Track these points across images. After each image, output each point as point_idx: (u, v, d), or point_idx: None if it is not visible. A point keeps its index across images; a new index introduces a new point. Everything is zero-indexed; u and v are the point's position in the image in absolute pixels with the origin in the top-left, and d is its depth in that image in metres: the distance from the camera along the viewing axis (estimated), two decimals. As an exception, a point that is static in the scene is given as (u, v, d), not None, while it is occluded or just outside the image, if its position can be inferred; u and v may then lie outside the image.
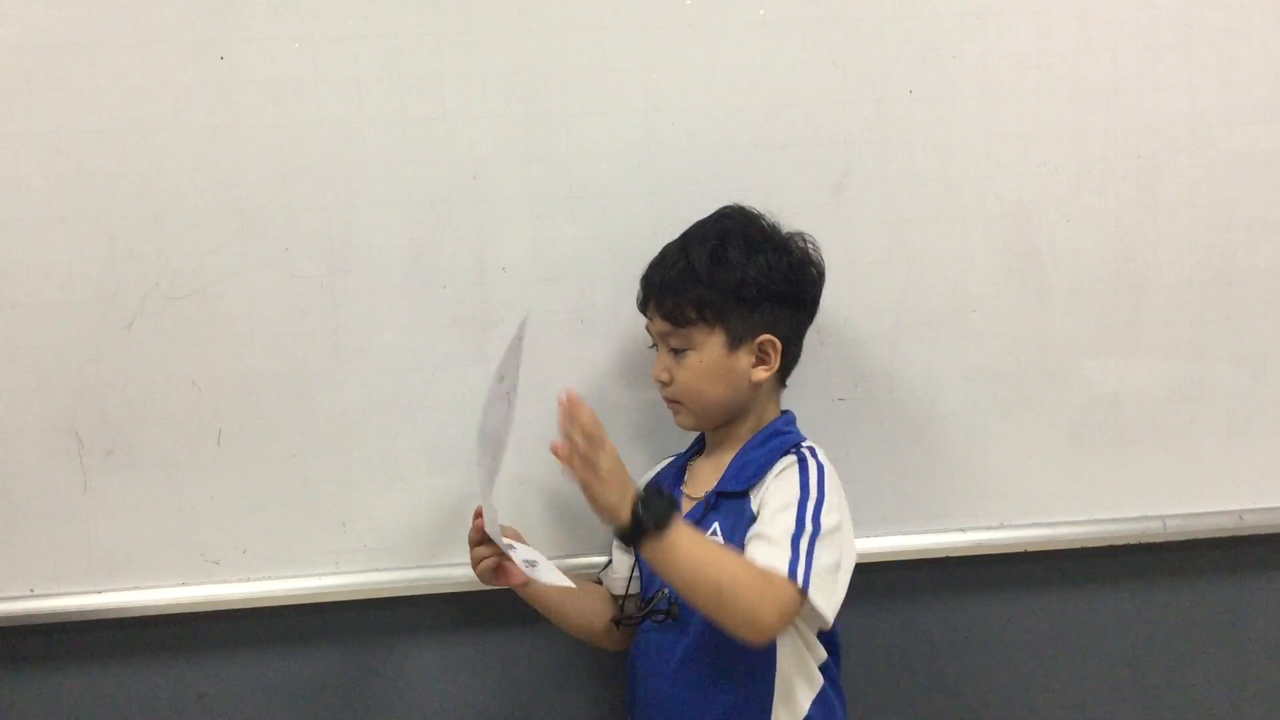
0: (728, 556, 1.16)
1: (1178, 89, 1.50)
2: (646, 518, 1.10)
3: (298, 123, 1.38)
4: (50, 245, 1.36)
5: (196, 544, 1.42)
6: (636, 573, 1.35)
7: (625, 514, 1.11)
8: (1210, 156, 1.51)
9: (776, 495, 1.22)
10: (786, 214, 1.34)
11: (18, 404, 1.38)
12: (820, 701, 1.26)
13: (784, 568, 1.14)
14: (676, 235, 1.32)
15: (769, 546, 1.17)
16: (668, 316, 1.27)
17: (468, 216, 1.42)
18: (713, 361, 1.27)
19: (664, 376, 1.30)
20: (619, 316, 1.44)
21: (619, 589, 1.38)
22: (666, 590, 1.27)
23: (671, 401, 1.32)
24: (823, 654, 1.27)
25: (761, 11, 1.43)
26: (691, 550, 1.12)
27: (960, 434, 1.52)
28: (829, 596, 1.17)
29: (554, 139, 1.42)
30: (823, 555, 1.16)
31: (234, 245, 1.38)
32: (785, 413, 1.35)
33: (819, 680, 1.27)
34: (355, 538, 1.44)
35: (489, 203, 1.42)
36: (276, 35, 1.37)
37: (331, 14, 1.37)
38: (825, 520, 1.19)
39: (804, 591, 1.14)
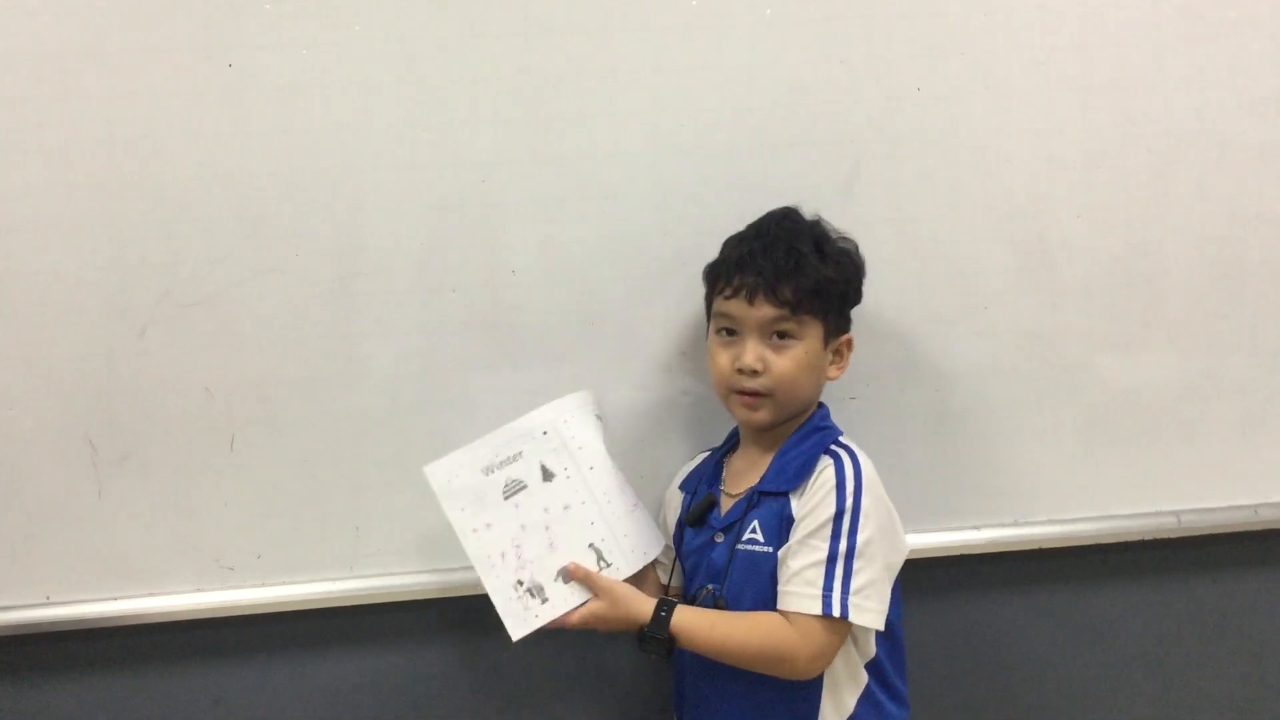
0: (746, 631, 1.20)
1: (1186, 83, 1.50)
2: (655, 645, 1.20)
3: (306, 128, 1.38)
4: (62, 253, 1.37)
5: (210, 549, 1.43)
6: (678, 565, 1.35)
7: (637, 627, 1.22)
8: (1220, 150, 1.51)
9: (813, 511, 1.23)
10: (796, 214, 1.35)
11: (32, 411, 1.38)
12: (866, 699, 1.27)
13: (817, 608, 1.18)
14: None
15: (803, 588, 1.20)
16: (788, 303, 1.24)
17: (477, 219, 1.42)
18: (815, 354, 1.28)
19: (759, 366, 1.26)
20: (628, 318, 1.44)
21: (662, 578, 1.37)
22: (710, 587, 1.28)
23: (754, 395, 1.27)
24: (871, 651, 1.27)
25: (768, 11, 1.43)
26: (710, 641, 1.20)
27: (973, 431, 1.51)
28: (874, 609, 1.20)
29: (562, 141, 1.42)
30: (861, 573, 1.19)
31: (244, 251, 1.39)
32: (821, 406, 1.35)
33: (864, 678, 1.27)
34: (368, 542, 1.45)
35: (498, 205, 1.42)
36: (284, 42, 1.37)
37: (339, 19, 1.37)
38: (861, 535, 1.20)
39: (845, 618, 1.18)
